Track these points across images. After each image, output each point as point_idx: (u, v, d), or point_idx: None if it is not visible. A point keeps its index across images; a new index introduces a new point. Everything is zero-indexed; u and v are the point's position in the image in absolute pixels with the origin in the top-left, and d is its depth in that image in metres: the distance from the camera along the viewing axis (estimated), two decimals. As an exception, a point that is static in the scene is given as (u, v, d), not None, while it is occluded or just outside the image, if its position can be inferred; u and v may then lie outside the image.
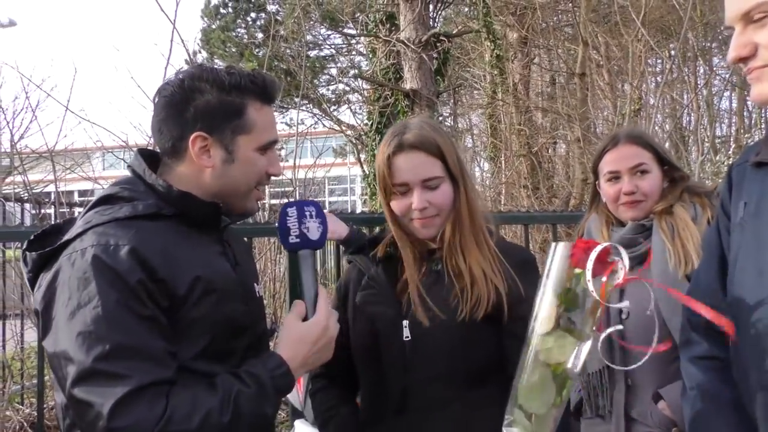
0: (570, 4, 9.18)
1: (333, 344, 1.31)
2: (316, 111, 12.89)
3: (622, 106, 9.60)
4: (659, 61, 12.30)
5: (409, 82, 6.18)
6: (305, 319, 1.30)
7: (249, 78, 1.33)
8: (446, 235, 1.48)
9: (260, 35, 14.22)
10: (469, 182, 1.51)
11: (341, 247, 2.77)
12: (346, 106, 11.98)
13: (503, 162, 10.91)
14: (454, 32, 6.63)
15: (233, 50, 14.63)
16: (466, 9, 9.62)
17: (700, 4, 7.68)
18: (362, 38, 9.03)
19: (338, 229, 2.55)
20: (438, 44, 6.14)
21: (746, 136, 11.88)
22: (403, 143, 1.46)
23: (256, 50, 14.09)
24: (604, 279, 1.11)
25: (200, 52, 12.31)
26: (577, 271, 1.12)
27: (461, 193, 1.49)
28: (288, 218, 1.34)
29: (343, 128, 11.34)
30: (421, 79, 6.14)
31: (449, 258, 1.47)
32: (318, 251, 1.41)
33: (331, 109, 12.76)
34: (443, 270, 1.47)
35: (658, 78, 11.84)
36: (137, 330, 1.14)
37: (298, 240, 1.33)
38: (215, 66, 1.39)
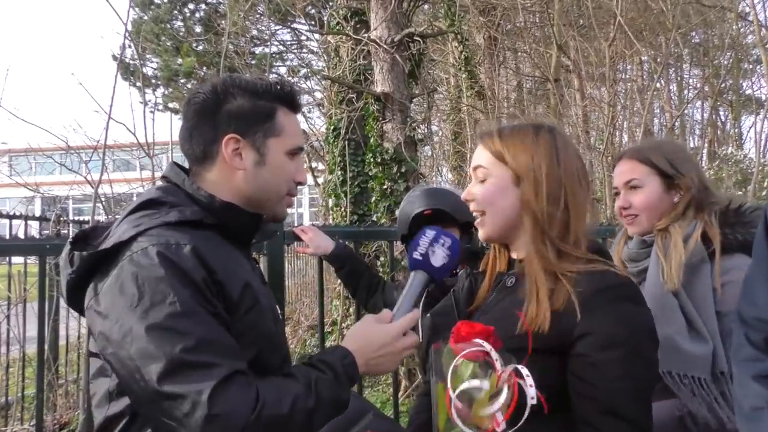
0: (539, 5, 9.60)
1: (397, 359, 1.41)
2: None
3: (597, 113, 10.07)
4: (630, 67, 12.94)
5: (381, 85, 6.32)
6: None
7: (278, 85, 1.49)
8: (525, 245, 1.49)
9: (199, 29, 14.10)
10: (540, 182, 1.44)
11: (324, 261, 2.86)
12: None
13: (468, 172, 11.15)
14: (427, 32, 6.79)
15: (168, 44, 14.45)
16: (431, 8, 9.87)
17: (672, 10, 8.17)
18: (315, 35, 9.13)
19: (323, 243, 2.65)
20: (411, 45, 6.31)
21: (722, 148, 12.60)
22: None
23: (195, 45, 13.99)
24: (498, 370, 1.18)
25: (130, 46, 12.09)
26: (460, 361, 1.20)
27: (527, 192, 1.46)
28: (423, 237, 1.48)
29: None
30: (394, 82, 6.28)
31: (522, 274, 1.47)
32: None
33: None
34: (516, 286, 1.48)
35: (630, 85, 12.43)
36: (214, 324, 1.25)
37: (420, 258, 1.45)
38: (244, 75, 1.53)
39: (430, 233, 1.47)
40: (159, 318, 1.20)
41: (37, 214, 6.31)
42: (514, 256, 1.54)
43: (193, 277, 1.25)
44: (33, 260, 5.64)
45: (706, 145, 14.64)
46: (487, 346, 1.21)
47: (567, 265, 1.41)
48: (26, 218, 5.32)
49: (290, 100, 1.49)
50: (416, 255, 1.45)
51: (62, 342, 5.36)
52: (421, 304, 2.57)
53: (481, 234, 1.54)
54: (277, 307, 1.55)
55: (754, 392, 1.28)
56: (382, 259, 6.80)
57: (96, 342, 1.30)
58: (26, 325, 4.55)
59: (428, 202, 2.44)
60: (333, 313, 7.65)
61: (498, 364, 1.20)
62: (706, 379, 1.74)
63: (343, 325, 6.89)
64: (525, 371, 1.19)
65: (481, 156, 1.51)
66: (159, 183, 1.50)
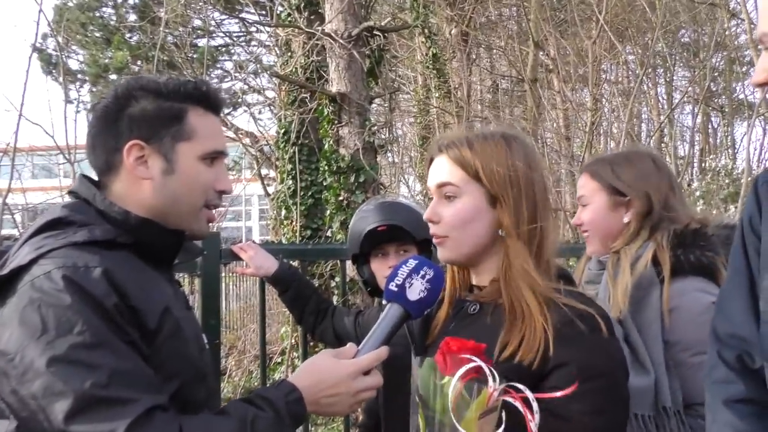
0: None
1: (353, 402, 1.38)
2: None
3: (576, 118, 10.24)
4: (614, 68, 13.26)
5: (336, 84, 6.34)
6: None
7: (189, 84, 1.48)
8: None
9: (133, 18, 13.97)
10: (520, 201, 1.46)
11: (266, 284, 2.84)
12: (244, 109, 11.98)
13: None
14: (389, 26, 6.84)
15: (97, 35, 14.28)
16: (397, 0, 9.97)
17: (658, 5, 8.38)
18: (268, 28, 9.13)
19: (265, 263, 2.63)
20: (371, 40, 6.35)
21: (711, 157, 12.94)
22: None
23: (129, 36, 13.85)
24: (490, 387, 1.19)
25: (52, 35, 11.91)
26: (446, 380, 1.21)
27: (501, 214, 1.46)
28: (403, 265, 1.46)
29: (240, 136, 11.33)
30: (351, 81, 6.30)
31: (486, 301, 1.48)
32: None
33: (225, 113, 12.74)
34: (479, 314, 1.48)
35: (614, 87, 12.71)
36: (129, 355, 1.23)
37: (395, 290, 1.43)
38: (154, 76, 1.53)
39: (411, 262, 1.45)
40: (65, 350, 1.18)
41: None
42: (474, 281, 1.54)
43: (104, 304, 1.23)
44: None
45: (696, 153, 15.05)
46: (479, 362, 1.22)
47: (549, 290, 1.42)
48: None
49: (204, 99, 1.48)
50: (392, 286, 1.43)
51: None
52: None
53: (442, 256, 1.52)
54: (204, 335, 1.53)
55: (723, 420, 1.30)
56: (337, 279, 6.79)
57: None
58: None
59: (383, 217, 2.42)
60: (283, 341, 7.60)
61: (490, 380, 1.20)
62: (649, 416, 1.76)
63: (294, 354, 6.86)
64: (522, 387, 1.21)
65: (448, 171, 1.48)
66: (66, 199, 1.48)
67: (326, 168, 6.57)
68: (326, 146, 6.62)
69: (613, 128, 11.17)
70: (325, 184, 6.75)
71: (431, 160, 1.55)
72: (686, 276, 1.81)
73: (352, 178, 6.40)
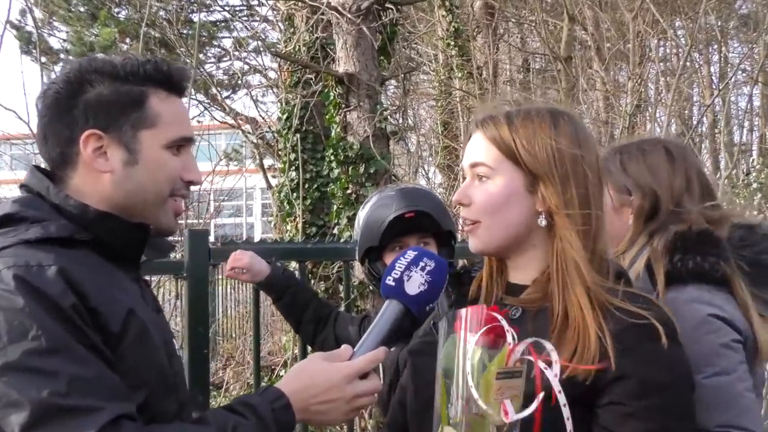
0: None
1: (348, 409, 1.40)
2: (201, 97, 12.86)
3: (618, 101, 10.18)
4: (662, 44, 13.14)
5: (344, 64, 6.34)
6: None
7: (149, 64, 1.48)
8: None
9: (121, -10, 14.06)
10: (568, 183, 1.43)
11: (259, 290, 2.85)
12: (245, 92, 12.04)
13: (461, 173, 11.20)
14: (403, -1, 6.85)
15: (81, 10, 14.37)
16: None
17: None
18: (274, 1, 9.16)
19: (255, 266, 2.65)
20: (382, 14, 6.35)
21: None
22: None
23: (116, 11, 13.93)
24: (509, 344, 1.21)
25: (31, 10, 12.01)
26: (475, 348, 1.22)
27: (546, 195, 1.43)
28: (401, 258, 1.48)
29: (240, 122, 11.36)
30: (360, 60, 6.30)
31: (532, 304, 1.44)
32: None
33: (224, 96, 12.81)
34: (523, 320, 1.43)
35: (660, 65, 12.62)
36: (91, 360, 1.25)
37: (392, 284, 1.45)
38: (110, 57, 1.52)
39: (410, 253, 1.47)
40: (19, 357, 1.20)
41: None
42: (513, 279, 1.52)
43: (61, 305, 1.25)
44: None
45: (756, 139, 14.91)
46: (501, 320, 1.24)
47: (604, 291, 1.39)
48: None
49: (168, 80, 1.48)
50: (388, 280, 1.45)
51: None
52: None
53: (473, 245, 1.51)
54: (174, 340, 1.56)
55: None
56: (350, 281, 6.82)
57: None
58: None
59: (408, 203, 2.41)
60: (285, 352, 7.65)
61: (509, 336, 1.21)
62: None
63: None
64: (549, 346, 1.22)
65: (482, 149, 1.47)
66: (19, 194, 1.49)
67: (333, 158, 6.58)
68: (333, 133, 6.63)
69: (659, 112, 11.09)
70: (331, 176, 6.77)
71: (470, 137, 1.54)
72: (685, 285, 1.73)
73: (362, 169, 6.38)
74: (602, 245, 1.45)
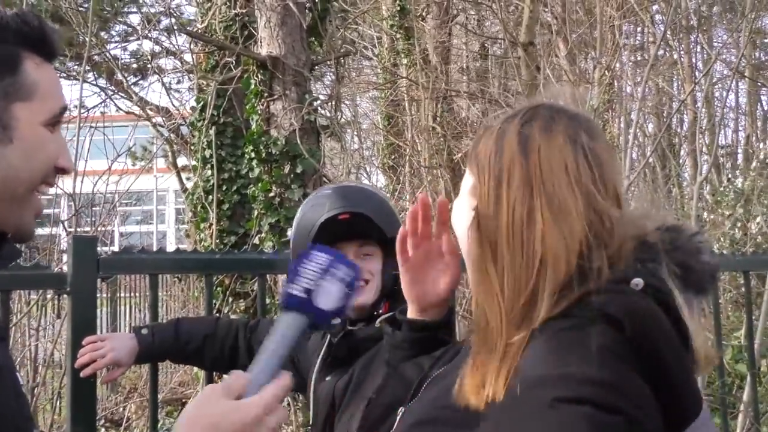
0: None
1: None
2: (103, 83, 12.71)
3: (584, 95, 10.36)
4: (639, 30, 13.43)
5: (267, 45, 6.34)
6: (239, 398, 1.32)
7: (18, 19, 1.40)
8: None
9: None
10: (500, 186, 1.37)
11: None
12: (156, 77, 11.89)
13: (407, 175, 11.30)
14: (337, -29, 6.88)
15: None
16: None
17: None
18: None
19: (120, 352, 2.60)
20: (313, -11, 6.39)
21: (759, 146, 13.09)
22: None
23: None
24: None
25: None
26: None
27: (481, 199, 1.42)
28: (307, 261, 1.41)
29: (150, 113, 11.25)
30: (286, 42, 6.31)
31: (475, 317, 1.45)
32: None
33: (131, 82, 12.66)
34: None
35: (637, 55, 12.88)
36: None
37: (301, 296, 1.38)
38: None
39: (321, 257, 1.41)
40: None
41: None
42: None
43: None
44: None
45: (741, 141, 15.31)
46: None
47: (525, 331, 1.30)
48: None
49: (41, 42, 1.40)
50: (295, 290, 1.38)
51: None
52: (318, 362, 2.54)
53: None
54: (19, 375, 1.48)
55: None
56: (269, 301, 6.79)
57: None
58: None
59: (345, 203, 2.41)
60: (199, 382, 7.58)
61: None
62: None
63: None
64: None
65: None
66: None
67: (253, 155, 6.56)
68: (253, 126, 6.61)
69: (632, 108, 11.29)
70: (251, 175, 6.74)
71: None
72: None
73: (287, 169, 6.36)
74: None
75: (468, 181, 1.48)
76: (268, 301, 6.76)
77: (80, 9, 11.11)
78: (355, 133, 11.87)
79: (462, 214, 1.47)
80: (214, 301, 7.38)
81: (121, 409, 8.57)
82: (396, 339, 1.62)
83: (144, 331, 2.68)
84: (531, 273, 1.29)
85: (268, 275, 4.45)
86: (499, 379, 1.25)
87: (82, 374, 2.57)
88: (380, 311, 2.33)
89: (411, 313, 1.62)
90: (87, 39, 7.28)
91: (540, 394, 1.15)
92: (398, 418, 1.53)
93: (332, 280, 1.39)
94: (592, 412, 1.11)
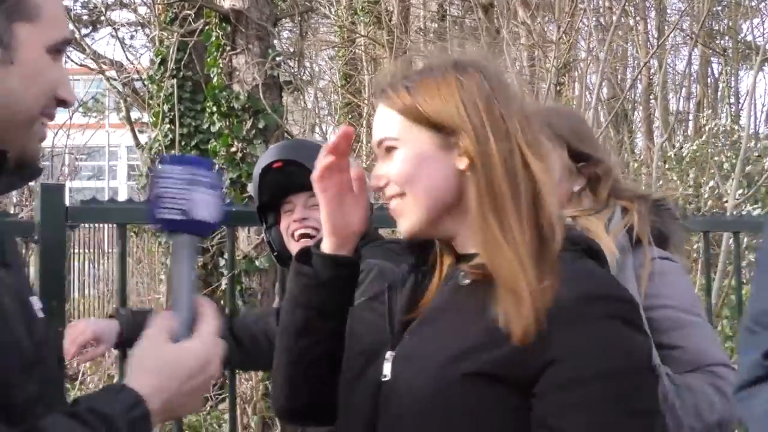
0: None
1: (206, 392, 1.37)
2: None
3: (545, 56, 10.40)
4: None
5: (229, -1, 6.28)
6: (176, 341, 1.33)
7: None
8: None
9: None
10: (484, 131, 1.45)
11: None
12: (111, 30, 11.66)
13: (364, 134, 11.25)
14: None
15: None
16: None
17: None
18: None
19: (104, 331, 2.53)
20: (277, -62, 6.31)
21: (707, 113, 13.28)
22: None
23: None
24: None
25: None
26: None
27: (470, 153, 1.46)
28: (166, 179, 1.35)
29: (103, 67, 11.05)
30: (250, -5, 6.26)
31: (479, 271, 1.47)
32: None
33: (83, 34, 12.39)
34: (475, 286, 1.48)
35: (593, 19, 12.93)
36: None
37: (180, 217, 1.34)
38: None
39: (177, 171, 1.35)
40: None
41: None
42: (462, 251, 1.53)
43: None
44: None
45: (693, 108, 15.52)
46: None
47: (545, 257, 1.42)
48: None
49: None
50: (169, 213, 1.33)
51: None
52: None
53: (404, 226, 1.52)
54: (32, 299, 1.42)
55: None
56: (226, 256, 6.76)
57: None
58: None
59: (278, 153, 2.44)
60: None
61: None
62: None
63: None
64: None
65: (386, 121, 1.52)
66: None
67: (214, 109, 6.49)
68: (215, 80, 6.53)
69: (590, 71, 11.36)
70: (213, 130, 6.68)
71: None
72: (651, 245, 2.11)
73: (249, 124, 6.32)
74: (547, 204, 1.45)
75: (413, 132, 1.48)
76: (227, 258, 6.77)
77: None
78: (317, 90, 11.75)
79: (428, 165, 1.48)
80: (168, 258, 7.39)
81: (75, 364, 8.51)
82: (322, 277, 1.55)
83: (120, 310, 2.65)
84: (533, 213, 1.43)
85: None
86: (535, 310, 1.35)
87: (70, 358, 2.56)
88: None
89: (328, 249, 1.57)
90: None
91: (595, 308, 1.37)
92: (388, 363, 1.49)
93: (199, 189, 1.35)
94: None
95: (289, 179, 2.38)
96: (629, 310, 1.42)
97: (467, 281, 1.48)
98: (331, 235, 1.57)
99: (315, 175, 1.56)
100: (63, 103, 1.41)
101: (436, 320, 1.49)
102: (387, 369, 1.48)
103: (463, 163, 1.45)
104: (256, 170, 2.46)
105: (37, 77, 1.34)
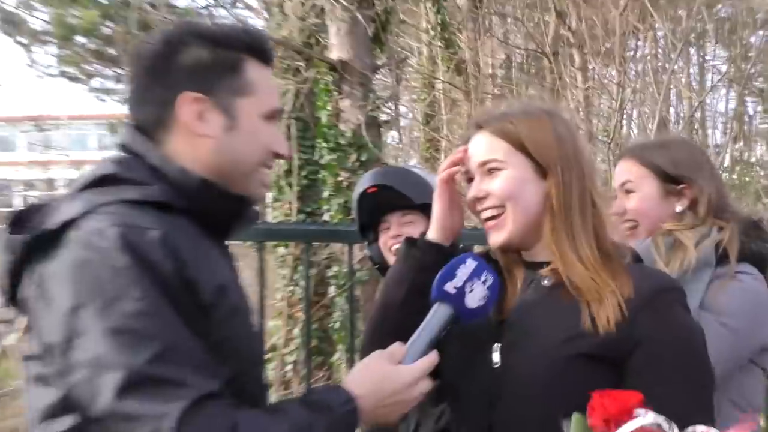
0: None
1: (406, 409, 1.42)
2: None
3: (598, 98, 10.26)
4: (641, 43, 13.25)
5: (337, 50, 6.33)
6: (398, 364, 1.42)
7: (242, 30, 1.48)
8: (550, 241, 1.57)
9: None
10: (570, 172, 1.55)
11: None
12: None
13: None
14: (395, -14, 6.84)
15: (62, -8, 14.13)
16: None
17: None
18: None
19: None
20: (377, 1, 6.34)
21: (738, 146, 12.93)
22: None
23: (98, -6, 13.74)
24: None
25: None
26: None
27: (554, 184, 1.55)
28: (462, 265, 1.48)
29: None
30: (354, 48, 6.30)
31: (561, 271, 1.53)
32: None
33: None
34: (556, 287, 1.54)
35: (640, 65, 12.71)
36: (184, 330, 1.24)
37: (452, 292, 1.45)
38: (202, 21, 1.50)
39: (471, 263, 1.48)
40: (118, 318, 1.20)
41: None
42: (529, 258, 1.61)
43: (162, 271, 1.24)
44: None
45: (729, 142, 15.11)
46: (651, 417, 1.17)
47: (616, 265, 1.52)
48: None
49: (260, 49, 1.47)
50: (449, 287, 1.46)
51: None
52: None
53: (498, 238, 1.57)
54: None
55: None
56: (335, 268, 6.80)
57: (35, 342, 1.30)
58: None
59: (374, 179, 2.41)
60: (272, 336, 7.62)
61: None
62: None
63: (284, 350, 6.86)
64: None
65: (489, 146, 1.57)
66: (116, 154, 1.45)
67: (324, 144, 6.56)
68: (324, 120, 6.60)
69: (636, 112, 11.18)
70: (322, 162, 6.74)
71: (467, 141, 1.63)
72: (743, 263, 1.99)
73: (354, 157, 6.40)
74: (605, 227, 1.58)
75: (516, 159, 1.55)
76: (336, 270, 6.82)
77: (165, 20, 11.16)
78: (399, 129, 11.82)
79: (526, 187, 1.55)
80: (286, 270, 7.49)
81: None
82: (426, 260, 1.61)
83: None
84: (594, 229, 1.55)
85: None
86: (620, 303, 1.45)
87: None
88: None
89: (434, 240, 1.65)
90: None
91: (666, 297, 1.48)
92: (497, 353, 1.55)
93: (478, 284, 1.47)
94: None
95: (382, 201, 2.36)
96: (684, 297, 1.53)
97: (548, 283, 1.55)
98: (438, 229, 1.65)
99: (440, 179, 1.65)
100: (279, 155, 1.51)
101: (530, 315, 1.55)
102: (497, 357, 1.53)
103: (549, 190, 1.53)
104: (355, 195, 2.45)
105: (254, 139, 1.45)
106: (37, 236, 1.29)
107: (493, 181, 1.55)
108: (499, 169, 1.55)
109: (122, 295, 1.20)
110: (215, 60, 1.42)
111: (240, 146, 1.43)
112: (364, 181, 2.43)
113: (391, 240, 2.36)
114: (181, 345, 1.22)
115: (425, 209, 2.23)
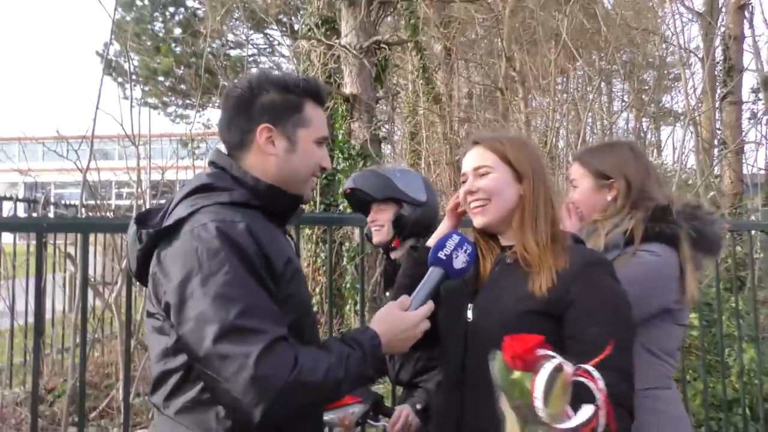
0: (491, 21, 9.68)
1: (412, 343, 1.44)
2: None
3: (535, 121, 10.23)
4: (564, 80, 13.24)
5: (350, 87, 6.31)
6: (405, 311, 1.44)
7: (305, 81, 1.52)
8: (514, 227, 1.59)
9: (178, 30, 13.76)
10: (538, 180, 1.57)
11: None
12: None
13: (423, 170, 11.29)
14: (391, 41, 6.80)
15: (149, 44, 14.07)
16: (394, 19, 9.86)
17: (608, 31, 8.39)
18: (286, 40, 9.04)
19: None
20: (378, 51, 6.31)
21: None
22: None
23: (174, 46, 13.68)
24: (568, 372, 1.07)
25: (112, 43, 11.75)
26: (518, 374, 1.11)
27: (526, 188, 1.57)
28: (450, 239, 1.52)
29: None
30: (362, 85, 6.28)
31: (519, 252, 1.55)
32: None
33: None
34: (516, 264, 1.55)
35: (565, 95, 12.71)
36: (261, 293, 1.29)
37: (443, 258, 1.50)
38: (275, 71, 1.57)
39: (456, 237, 1.52)
40: (216, 286, 1.24)
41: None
42: (504, 243, 1.63)
43: (247, 251, 1.29)
44: (20, 240, 5.46)
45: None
46: (555, 356, 1.12)
47: (559, 247, 1.54)
48: (16, 200, 5.17)
49: (317, 94, 1.53)
50: (441, 254, 1.50)
51: (48, 315, 5.29)
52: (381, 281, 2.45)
53: (481, 221, 1.60)
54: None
55: None
56: (347, 245, 6.80)
57: (156, 304, 1.35)
58: (15, 299, 4.50)
59: (349, 182, 2.33)
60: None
61: (568, 368, 1.11)
62: None
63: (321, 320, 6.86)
64: (595, 373, 1.13)
65: (483, 156, 1.61)
66: (208, 169, 1.52)
67: (340, 155, 6.56)
68: (340, 137, 6.59)
69: (564, 130, 11.18)
70: (338, 168, 6.74)
71: (465, 153, 1.66)
72: (651, 243, 1.84)
73: (361, 164, 6.42)
74: (558, 221, 1.61)
75: (501, 167, 1.58)
76: (347, 246, 6.82)
77: (223, 65, 11.11)
78: (392, 143, 11.74)
79: (507, 187, 1.57)
80: (311, 245, 7.48)
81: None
82: (422, 258, 1.61)
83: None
84: (551, 224, 1.56)
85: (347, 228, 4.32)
86: (553, 274, 1.47)
87: None
88: (392, 245, 2.27)
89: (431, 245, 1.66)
90: (228, 84, 7.28)
91: (594, 268, 1.48)
92: (470, 312, 1.56)
93: (462, 252, 1.51)
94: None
95: (358, 198, 2.31)
96: (612, 268, 1.52)
97: (510, 261, 1.57)
98: (435, 239, 1.68)
99: (449, 208, 1.72)
100: (324, 169, 1.55)
101: (495, 284, 1.58)
102: (470, 315, 1.56)
103: (522, 192, 1.57)
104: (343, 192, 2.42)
105: (308, 158, 1.50)
106: (161, 230, 1.36)
107: (483, 180, 1.58)
108: (488, 173, 1.58)
109: (218, 269, 1.25)
110: (284, 101, 1.47)
111: (296, 163, 1.48)
112: (345, 184, 2.38)
113: (370, 223, 2.31)
114: (259, 304, 1.26)
115: (393, 199, 2.24)
